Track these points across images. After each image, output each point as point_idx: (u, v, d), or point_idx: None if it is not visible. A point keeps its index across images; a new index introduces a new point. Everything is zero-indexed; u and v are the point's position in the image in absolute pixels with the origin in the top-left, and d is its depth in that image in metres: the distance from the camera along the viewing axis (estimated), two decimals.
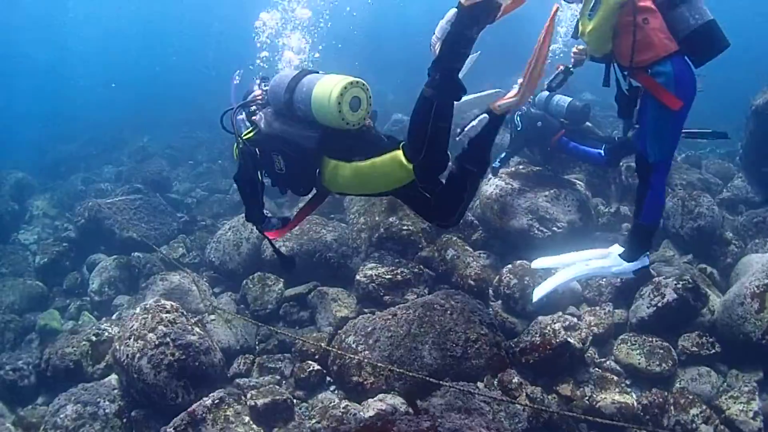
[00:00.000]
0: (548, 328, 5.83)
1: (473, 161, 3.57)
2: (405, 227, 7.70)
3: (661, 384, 5.61)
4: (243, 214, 7.42)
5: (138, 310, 6.06)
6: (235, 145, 4.40)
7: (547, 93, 8.13)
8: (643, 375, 5.70)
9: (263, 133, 4.31)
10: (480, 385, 5.57)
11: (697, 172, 10.42)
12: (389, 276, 6.98)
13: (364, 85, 3.79)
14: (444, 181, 3.76)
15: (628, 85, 5.10)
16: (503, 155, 8.41)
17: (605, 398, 5.33)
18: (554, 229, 7.63)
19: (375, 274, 7.01)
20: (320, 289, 7.17)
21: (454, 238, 7.77)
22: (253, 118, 4.50)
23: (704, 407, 5.11)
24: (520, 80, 3.58)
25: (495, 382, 5.59)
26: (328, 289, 7.17)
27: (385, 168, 3.76)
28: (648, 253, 5.79)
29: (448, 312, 6.03)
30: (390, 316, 6.12)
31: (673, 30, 4.71)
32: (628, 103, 5.18)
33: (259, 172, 4.47)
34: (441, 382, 4.81)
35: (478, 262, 7.37)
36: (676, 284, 6.06)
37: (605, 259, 5.94)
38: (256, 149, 4.36)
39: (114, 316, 7.80)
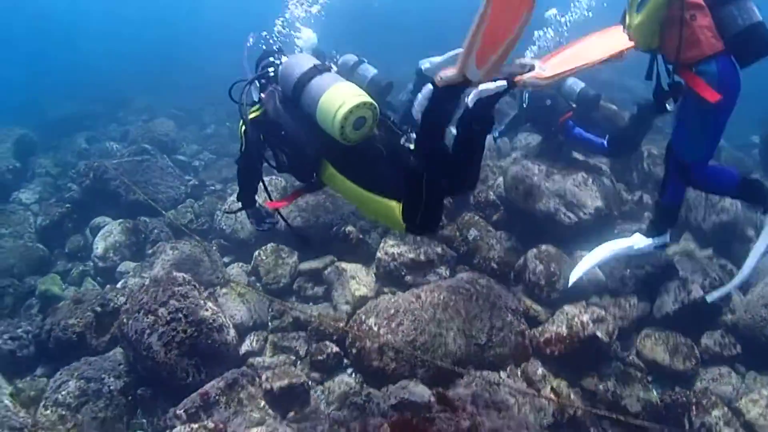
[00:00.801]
0: (576, 319, 5.49)
1: (480, 122, 3.26)
2: None
3: (683, 382, 5.42)
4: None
5: (147, 281, 5.52)
6: (241, 123, 4.10)
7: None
8: (666, 372, 5.48)
9: (269, 116, 3.97)
10: (503, 374, 5.23)
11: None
12: (412, 255, 6.45)
13: (372, 105, 3.47)
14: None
15: (671, 80, 4.81)
16: (502, 128, 8.00)
17: (630, 395, 5.08)
18: (581, 215, 6.98)
19: (397, 253, 6.48)
20: (338, 265, 6.63)
21: (476, 218, 7.25)
22: (262, 94, 4.13)
23: (725, 409, 4.91)
24: (542, 63, 3.32)
25: (519, 373, 5.30)
26: (347, 265, 6.63)
27: (382, 211, 3.59)
28: (669, 230, 5.40)
29: (474, 297, 5.62)
30: (414, 299, 5.63)
31: (721, 28, 4.48)
32: (666, 98, 4.88)
33: (261, 158, 4.21)
34: (466, 371, 4.70)
35: (502, 245, 6.92)
36: (703, 281, 5.89)
37: (631, 239, 5.58)
38: (261, 135, 4.06)
39: (119, 285, 7.20)
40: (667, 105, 4.94)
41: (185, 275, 5.66)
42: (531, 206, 7.17)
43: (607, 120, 8.36)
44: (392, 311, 5.51)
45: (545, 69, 3.34)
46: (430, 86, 3.09)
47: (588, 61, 3.52)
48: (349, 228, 6.94)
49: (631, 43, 3.79)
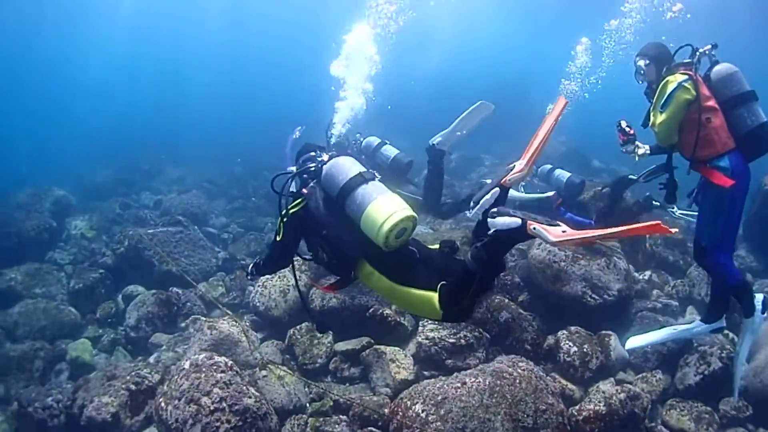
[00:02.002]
0: (614, 398, 5.21)
1: (491, 263, 3.23)
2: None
3: None
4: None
5: (187, 365, 4.86)
6: (281, 215, 3.81)
7: (549, 166, 8.24)
8: None
9: (310, 211, 3.71)
10: None
11: None
12: (453, 340, 5.84)
13: (414, 217, 3.38)
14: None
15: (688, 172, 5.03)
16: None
17: None
18: (605, 296, 6.70)
19: (438, 337, 5.86)
20: (376, 348, 5.97)
21: (506, 300, 6.72)
22: (304, 189, 3.83)
23: None
24: (519, 160, 3.50)
25: None
26: (385, 348, 5.97)
27: (418, 302, 3.44)
28: (725, 315, 5.34)
29: (517, 381, 5.12)
30: (459, 384, 5.04)
31: (732, 128, 4.70)
32: (676, 189, 5.18)
33: (295, 250, 4.00)
34: None
35: (534, 327, 6.43)
36: (720, 353, 5.90)
37: (690, 323, 5.61)
38: (299, 228, 3.83)
39: (152, 358, 6.51)
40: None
41: (227, 360, 4.97)
42: (558, 289, 6.83)
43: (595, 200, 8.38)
44: (440, 398, 4.92)
45: (522, 163, 3.48)
46: (515, 221, 3.08)
47: (542, 135, 3.50)
48: (387, 311, 6.32)
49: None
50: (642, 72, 5.02)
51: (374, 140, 6.42)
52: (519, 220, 3.06)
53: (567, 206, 7.92)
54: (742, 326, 5.22)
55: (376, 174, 3.66)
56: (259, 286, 7.23)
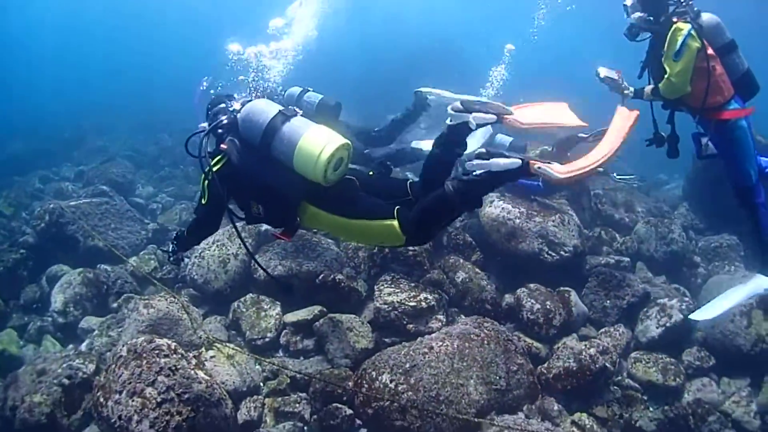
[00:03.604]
0: (583, 353, 5.19)
1: (470, 202, 3.18)
2: (411, 248, 6.19)
3: (671, 396, 5.37)
4: (227, 227, 6.16)
5: (124, 351, 4.23)
6: (203, 176, 3.53)
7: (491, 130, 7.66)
8: (660, 390, 5.38)
9: (234, 166, 3.42)
10: (520, 415, 4.75)
11: (652, 199, 10.36)
12: (413, 303, 5.46)
13: (348, 145, 3.24)
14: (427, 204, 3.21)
15: (696, 126, 5.07)
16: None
17: (641, 416, 4.96)
18: (562, 253, 6.54)
19: (397, 301, 5.46)
20: (331, 317, 5.49)
21: (461, 261, 6.42)
22: (222, 145, 3.50)
23: (717, 414, 4.94)
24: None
25: (536, 411, 4.88)
26: (341, 316, 5.51)
27: (377, 232, 3.27)
28: None
29: (485, 342, 4.97)
30: (427, 350, 4.78)
31: (728, 74, 4.76)
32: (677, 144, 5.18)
33: (223, 211, 3.63)
34: (490, 419, 4.42)
35: (492, 286, 6.19)
36: (680, 305, 5.90)
37: (757, 280, 5.27)
38: (226, 187, 3.46)
39: (84, 346, 5.75)
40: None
41: (169, 342, 4.34)
42: (514, 247, 6.61)
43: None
44: (407, 366, 4.63)
45: (520, 117, 3.35)
46: (515, 161, 2.96)
47: (559, 122, 3.69)
48: (339, 276, 5.84)
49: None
50: (629, 10, 4.84)
51: (296, 90, 5.89)
52: (519, 161, 2.94)
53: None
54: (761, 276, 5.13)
55: (297, 110, 3.42)
56: (195, 257, 6.56)
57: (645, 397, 5.30)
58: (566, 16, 11.83)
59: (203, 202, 3.60)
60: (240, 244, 6.47)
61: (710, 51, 4.61)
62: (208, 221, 3.79)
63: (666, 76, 4.65)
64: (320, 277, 5.89)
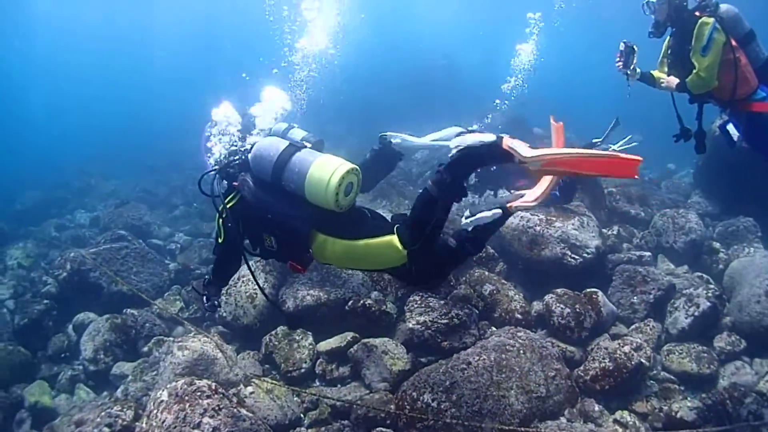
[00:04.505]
0: (618, 352, 5.13)
1: (475, 245, 3.26)
2: None
3: (707, 384, 5.27)
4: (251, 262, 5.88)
5: (165, 395, 4.16)
6: (218, 215, 3.61)
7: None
8: (695, 378, 5.28)
9: (247, 202, 3.51)
10: (563, 420, 4.67)
11: (665, 190, 10.40)
12: (445, 321, 5.38)
13: (356, 170, 3.32)
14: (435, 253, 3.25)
15: (724, 118, 4.96)
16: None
17: (680, 407, 4.83)
18: (584, 255, 6.48)
19: (429, 320, 5.38)
20: (365, 342, 5.40)
21: (487, 273, 6.36)
22: (234, 183, 3.61)
23: (754, 395, 4.82)
24: (531, 191, 3.19)
25: (577, 414, 4.79)
26: (375, 340, 5.42)
27: (380, 250, 3.26)
28: None
29: (521, 351, 4.90)
30: (465, 366, 4.71)
31: (751, 63, 4.69)
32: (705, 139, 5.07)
33: (241, 247, 3.68)
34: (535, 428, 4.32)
35: (520, 295, 6.12)
36: (707, 293, 5.88)
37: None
38: (240, 224, 3.57)
39: (119, 392, 5.70)
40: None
41: (209, 382, 4.30)
42: (537, 254, 6.58)
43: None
44: (448, 383, 4.56)
45: (533, 196, 3.17)
46: (492, 135, 2.94)
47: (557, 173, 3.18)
48: (369, 301, 5.75)
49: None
50: (652, 7, 4.77)
51: (282, 126, 5.87)
52: (493, 136, 2.93)
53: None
54: None
55: (306, 143, 3.55)
56: (222, 294, 6.48)
57: (682, 388, 5.23)
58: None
59: (220, 240, 3.65)
60: (266, 278, 6.42)
61: (734, 43, 4.58)
62: (228, 259, 3.83)
63: (695, 71, 4.61)
64: (349, 304, 5.81)
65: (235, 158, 3.73)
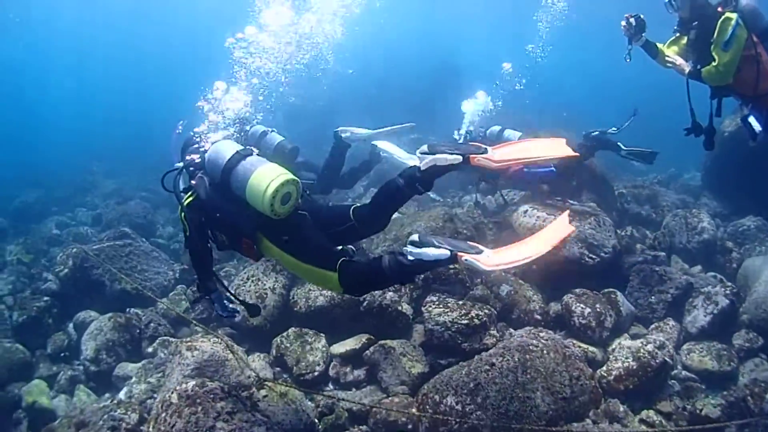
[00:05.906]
0: (641, 351, 5.00)
1: (407, 277, 3.32)
2: (452, 266, 5.83)
3: (728, 381, 5.18)
4: (260, 263, 6.04)
5: (175, 398, 3.83)
6: (180, 210, 3.84)
7: (499, 127, 7.75)
8: (716, 376, 5.19)
9: (202, 200, 3.72)
10: (588, 421, 4.52)
11: (674, 192, 10.32)
12: (466, 321, 5.06)
13: (294, 180, 3.36)
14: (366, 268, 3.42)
15: (745, 111, 4.82)
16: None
17: (704, 405, 4.70)
18: (602, 254, 6.30)
19: (449, 321, 5.07)
20: (382, 344, 5.09)
21: (503, 274, 6.06)
22: (192, 182, 3.82)
23: None
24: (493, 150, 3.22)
25: (602, 415, 4.62)
26: (391, 342, 5.11)
27: (320, 279, 3.46)
28: None
29: (545, 351, 4.67)
30: (488, 367, 4.45)
31: None
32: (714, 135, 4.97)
33: (206, 239, 3.89)
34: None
35: (538, 295, 5.89)
36: (725, 291, 5.78)
37: None
38: (201, 218, 3.78)
39: (123, 394, 5.34)
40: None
41: (222, 385, 3.98)
42: (554, 254, 6.17)
43: None
44: (472, 385, 4.30)
45: (495, 155, 3.19)
46: (444, 253, 3.02)
47: (535, 156, 3.43)
48: (386, 301, 5.46)
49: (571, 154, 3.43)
50: (675, 5, 4.68)
51: (260, 128, 5.87)
52: (448, 253, 2.99)
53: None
54: None
55: (254, 149, 3.63)
56: (230, 294, 6.16)
57: (703, 386, 5.12)
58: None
59: (187, 234, 3.80)
60: (276, 278, 6.15)
61: (755, 38, 4.48)
62: (199, 251, 3.91)
63: (714, 64, 4.51)
64: (365, 304, 5.50)
65: (195, 157, 3.91)
